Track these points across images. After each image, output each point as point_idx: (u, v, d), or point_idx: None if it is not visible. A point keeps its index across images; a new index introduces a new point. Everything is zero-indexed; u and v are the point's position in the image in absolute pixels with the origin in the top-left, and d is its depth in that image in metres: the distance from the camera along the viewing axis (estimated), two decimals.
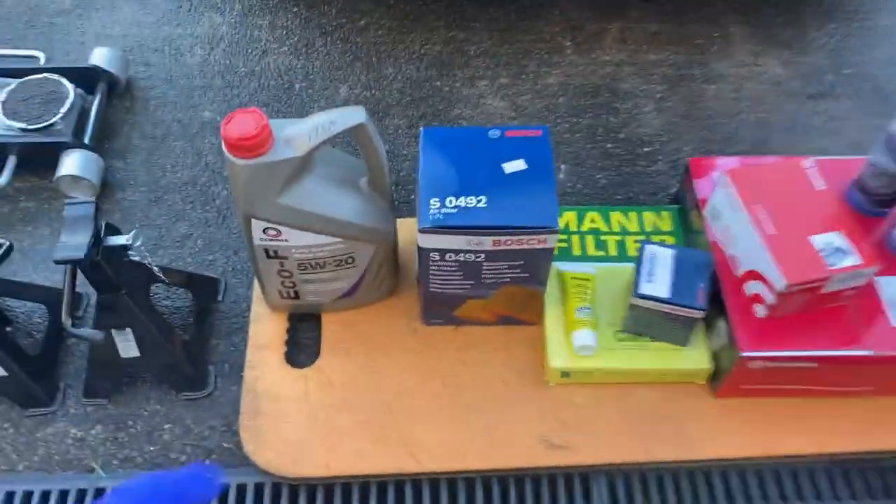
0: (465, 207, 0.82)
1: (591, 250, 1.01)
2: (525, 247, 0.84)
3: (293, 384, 0.94)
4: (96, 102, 1.18)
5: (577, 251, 1.01)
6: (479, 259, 0.86)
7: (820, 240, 0.84)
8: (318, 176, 0.84)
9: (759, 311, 0.87)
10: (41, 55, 1.23)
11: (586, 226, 1.03)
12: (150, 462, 0.92)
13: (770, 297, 0.85)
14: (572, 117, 1.22)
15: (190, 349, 0.97)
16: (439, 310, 0.96)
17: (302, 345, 1.00)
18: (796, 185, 0.90)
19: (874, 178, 0.91)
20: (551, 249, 0.85)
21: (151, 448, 0.92)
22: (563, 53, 1.30)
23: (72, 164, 1.09)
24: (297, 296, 0.96)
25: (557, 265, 0.99)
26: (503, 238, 0.82)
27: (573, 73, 1.28)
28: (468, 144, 0.88)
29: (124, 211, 1.12)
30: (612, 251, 1.01)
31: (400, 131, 1.21)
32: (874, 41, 1.33)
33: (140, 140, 1.20)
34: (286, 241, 0.86)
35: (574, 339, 0.91)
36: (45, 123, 1.11)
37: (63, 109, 1.12)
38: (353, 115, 0.80)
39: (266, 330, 0.99)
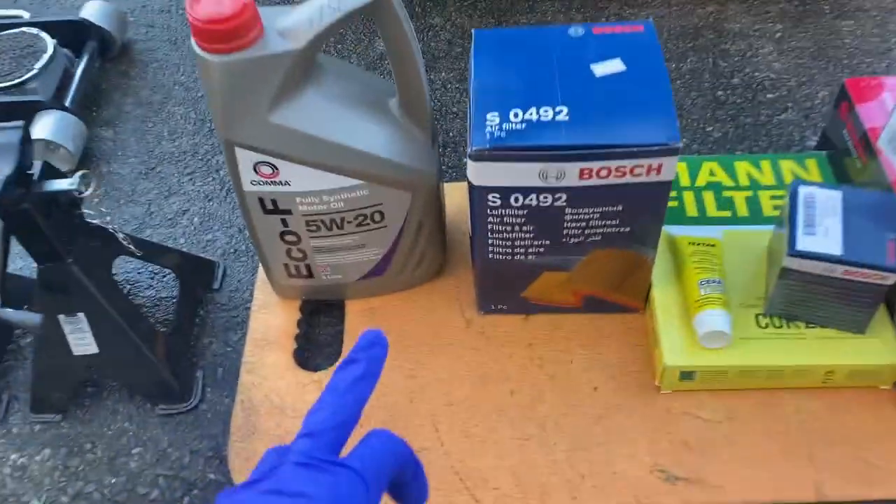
0: (539, 122, 0.56)
1: (712, 210, 0.73)
2: (629, 179, 0.57)
3: (303, 392, 0.68)
4: (84, 61, 0.98)
5: (692, 212, 0.73)
6: (559, 202, 0.59)
7: None
8: (328, 88, 0.59)
9: None
10: (25, 14, 1.04)
11: (703, 179, 0.76)
12: (111, 499, 0.67)
13: None
14: (669, 62, 0.96)
15: (171, 348, 0.72)
16: (502, 290, 0.70)
17: (318, 342, 0.74)
18: None
19: None
20: (668, 185, 0.58)
21: (113, 480, 0.68)
22: None
23: (44, 127, 0.88)
24: (310, 273, 0.71)
25: (667, 230, 0.72)
26: (596, 165, 0.56)
27: (665, 13, 1.02)
28: (539, 45, 0.62)
29: (108, 185, 0.90)
30: (742, 210, 0.73)
31: (449, 86, 0.97)
32: None
33: (134, 107, 0.99)
34: (287, 184, 0.61)
35: (698, 325, 0.64)
36: (16, 81, 0.91)
37: (38, 65, 0.92)
38: None
39: (271, 322, 0.74)
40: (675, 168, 0.57)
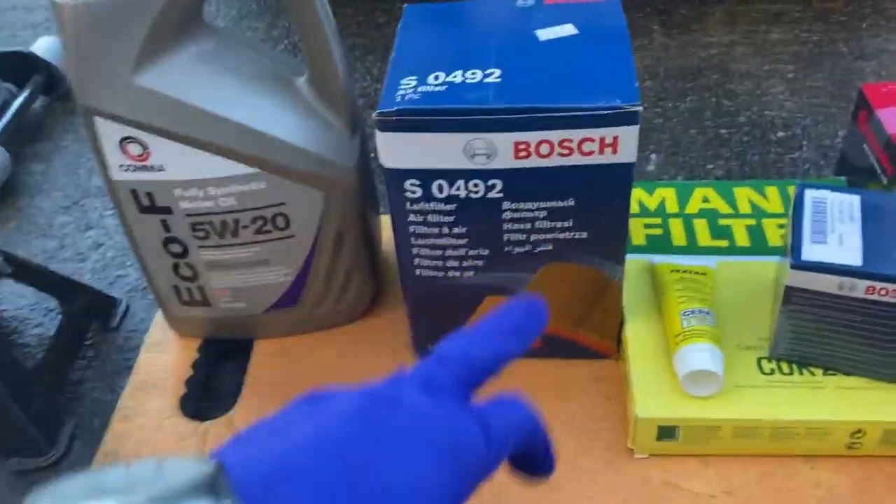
0: (464, 84, 0.45)
1: (705, 239, 0.60)
2: (578, 160, 0.45)
3: (181, 447, 0.54)
4: (24, 95, 0.90)
5: (679, 241, 0.60)
6: (493, 192, 0.47)
7: None
8: (215, 53, 0.49)
9: None
10: None
11: (694, 207, 0.63)
12: None
13: None
14: (665, 101, 0.85)
15: (36, 389, 0.59)
16: (438, 322, 0.55)
17: (216, 388, 0.61)
18: None
19: None
20: (629, 169, 0.45)
21: None
22: (650, 37, 0.96)
23: None
24: (206, 300, 0.58)
25: (648, 258, 0.58)
26: (534, 138, 0.44)
27: (664, 56, 0.92)
28: (478, 15, 0.52)
29: (23, 219, 0.80)
30: (742, 240, 0.60)
31: None
32: None
33: (72, 142, 0.90)
34: (161, 169, 0.50)
35: (679, 364, 0.49)
36: None
37: None
38: None
39: (160, 362, 0.60)
40: (635, 144, 0.44)
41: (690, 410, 0.48)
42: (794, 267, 0.46)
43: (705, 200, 0.63)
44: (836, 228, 0.47)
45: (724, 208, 0.62)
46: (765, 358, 0.51)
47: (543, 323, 0.31)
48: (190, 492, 0.19)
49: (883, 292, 0.44)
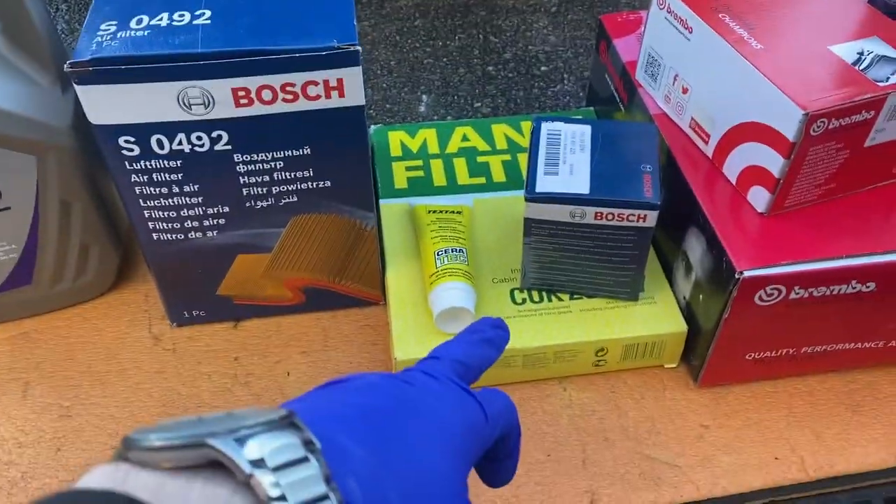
0: (169, 27, 0.41)
1: (464, 178, 0.60)
2: (305, 105, 0.43)
3: None
4: None
5: (439, 181, 0.60)
6: (221, 145, 0.44)
7: (848, 48, 0.46)
8: None
9: (760, 198, 0.47)
10: None
11: (454, 146, 0.63)
12: None
13: (777, 164, 0.45)
14: (435, 40, 0.84)
15: None
16: (190, 288, 0.53)
17: None
18: None
19: None
20: (360, 112, 0.44)
21: None
22: None
23: None
24: None
25: (408, 201, 0.58)
26: (253, 83, 0.41)
27: None
28: None
29: None
30: (499, 176, 0.60)
31: None
32: None
33: None
34: None
35: (433, 304, 0.49)
36: None
37: None
38: None
39: None
40: (360, 86, 0.43)
41: None
42: (528, 199, 0.47)
43: (465, 139, 0.63)
44: (568, 159, 0.48)
45: (482, 146, 0.63)
46: (517, 289, 0.52)
47: (507, 335, 0.36)
48: (275, 425, 0.21)
49: (609, 217, 0.46)
